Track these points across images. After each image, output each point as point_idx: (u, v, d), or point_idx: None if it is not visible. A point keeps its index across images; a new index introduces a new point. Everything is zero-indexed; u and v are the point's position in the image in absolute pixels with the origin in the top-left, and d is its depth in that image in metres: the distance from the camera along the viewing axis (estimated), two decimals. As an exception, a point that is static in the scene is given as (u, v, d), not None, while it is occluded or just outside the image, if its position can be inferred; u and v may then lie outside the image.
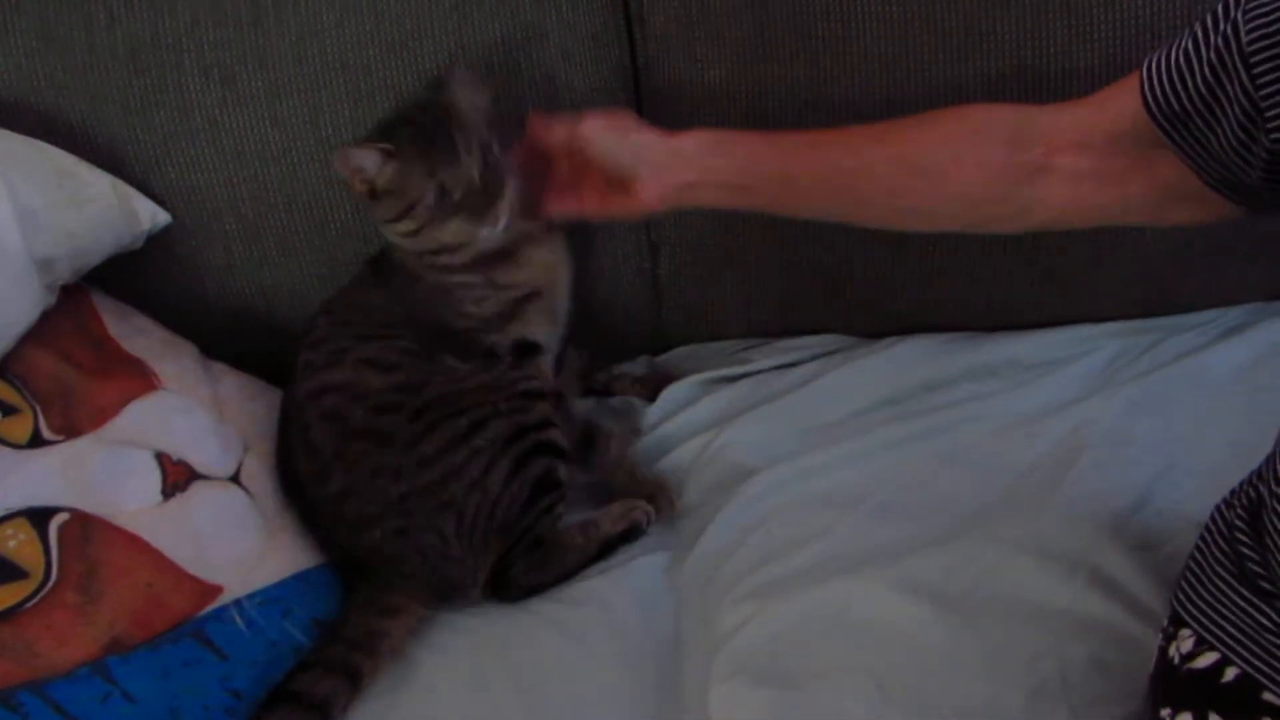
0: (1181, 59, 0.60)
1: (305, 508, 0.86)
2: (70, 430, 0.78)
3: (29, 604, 0.70)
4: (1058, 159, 0.68)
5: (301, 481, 0.86)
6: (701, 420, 0.99)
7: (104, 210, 0.89)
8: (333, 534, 0.85)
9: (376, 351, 0.85)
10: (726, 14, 0.94)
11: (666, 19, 0.96)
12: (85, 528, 0.74)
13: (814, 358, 1.03)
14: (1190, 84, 0.59)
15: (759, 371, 1.02)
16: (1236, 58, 0.55)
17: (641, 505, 0.89)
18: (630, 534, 0.88)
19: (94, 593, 0.72)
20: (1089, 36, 0.88)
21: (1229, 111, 0.57)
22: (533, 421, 0.84)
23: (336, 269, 0.99)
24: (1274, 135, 0.55)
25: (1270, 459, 0.62)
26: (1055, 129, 0.68)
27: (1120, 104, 0.64)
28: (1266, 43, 0.54)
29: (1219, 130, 0.59)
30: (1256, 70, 0.54)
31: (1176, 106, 0.60)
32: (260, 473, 0.87)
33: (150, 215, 0.93)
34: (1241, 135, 0.57)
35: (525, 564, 0.84)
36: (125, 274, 0.95)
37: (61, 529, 0.73)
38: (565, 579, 0.85)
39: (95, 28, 0.93)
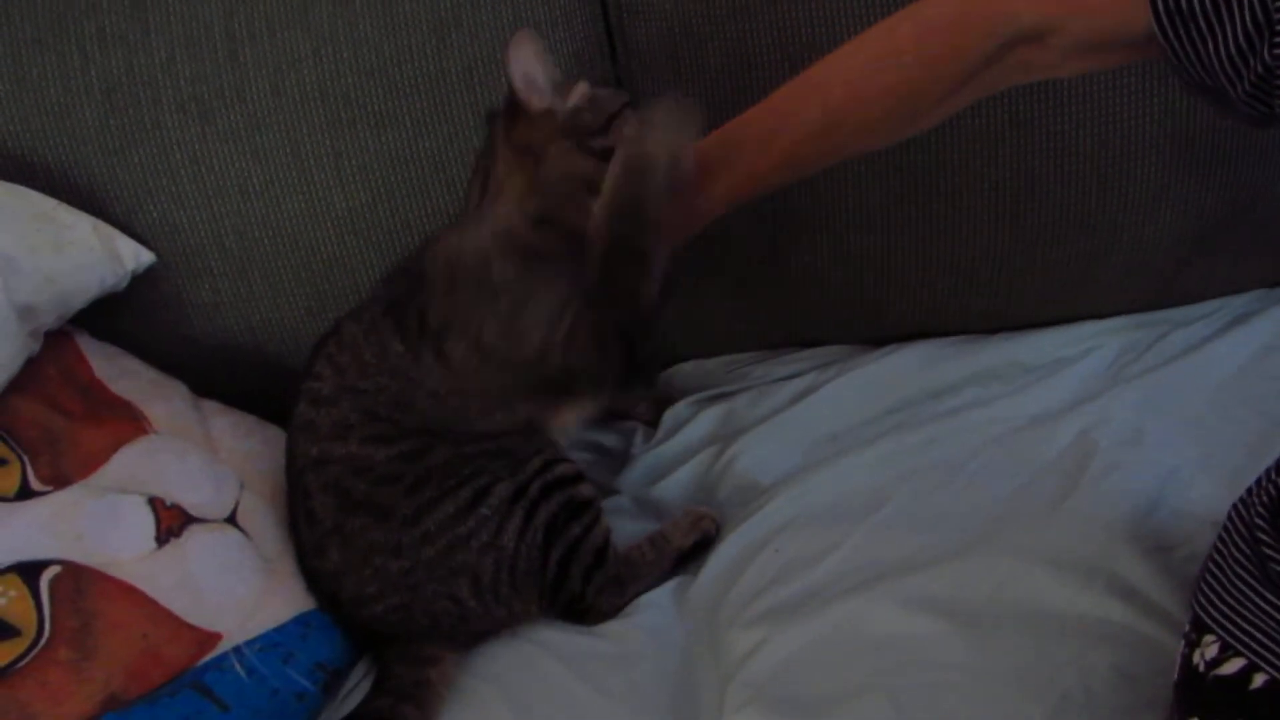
0: None
1: (306, 572, 0.84)
2: (59, 480, 0.77)
3: (21, 663, 0.68)
4: (1040, 57, 0.68)
5: (301, 549, 0.84)
6: (702, 437, 0.98)
7: (86, 253, 0.88)
8: (334, 605, 0.83)
9: (383, 430, 0.82)
10: (708, 26, 0.93)
11: (648, 33, 0.95)
12: (78, 580, 0.72)
13: (813, 369, 1.01)
14: None
15: (758, 385, 1.01)
16: None
17: (708, 514, 0.88)
18: (701, 544, 0.86)
19: (89, 648, 0.70)
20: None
21: (1236, 17, 0.56)
22: (532, 472, 0.81)
23: (325, 302, 0.98)
24: (1277, 51, 0.54)
25: None
26: (1036, 42, 0.67)
27: (1115, 6, 0.62)
28: None
29: (1220, 35, 0.57)
30: None
31: (1185, 4, 0.59)
32: (258, 511, 0.86)
33: (134, 255, 0.92)
34: (1243, 44, 0.56)
35: (598, 587, 0.81)
36: (111, 316, 0.93)
37: (53, 583, 0.71)
38: (643, 594, 0.83)
39: (69, 68, 0.92)
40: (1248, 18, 0.55)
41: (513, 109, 0.82)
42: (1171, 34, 0.60)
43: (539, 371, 0.82)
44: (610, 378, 0.83)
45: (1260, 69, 0.55)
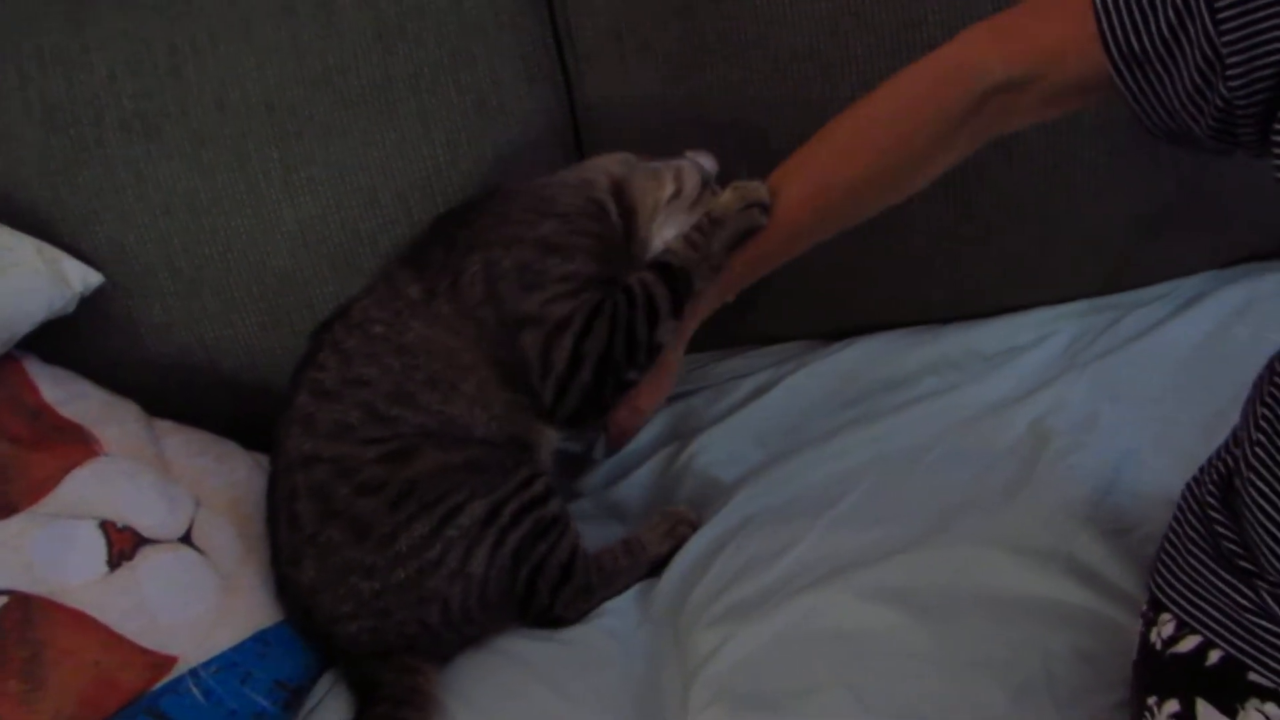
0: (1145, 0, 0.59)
1: (278, 576, 0.83)
2: (6, 508, 0.75)
3: (-32, 697, 0.67)
4: (1020, 103, 0.70)
5: (279, 553, 0.82)
6: (661, 436, 0.98)
7: (30, 276, 0.86)
8: (308, 620, 0.81)
9: (379, 431, 0.80)
10: (654, 24, 0.93)
11: (595, 33, 0.95)
12: (26, 610, 0.70)
13: (771, 365, 1.01)
14: (1153, 25, 0.59)
15: (716, 383, 1.01)
16: (1201, 1, 0.55)
17: (685, 518, 0.87)
18: (677, 549, 0.85)
19: (38, 679, 0.68)
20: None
21: (1189, 56, 0.57)
22: (510, 492, 0.80)
23: (278, 317, 0.97)
24: (1231, 84, 0.54)
25: (1242, 424, 0.60)
26: (1014, 91, 0.69)
27: (1079, 55, 0.64)
28: None
29: (1175, 75, 0.58)
30: (1221, 15, 0.54)
31: (1136, 48, 0.60)
32: (214, 527, 0.84)
33: (81, 277, 0.90)
34: (1199, 81, 0.57)
35: (565, 600, 0.81)
36: (60, 338, 0.92)
37: (1, 614, 0.70)
38: (616, 596, 0.83)
39: (7, 88, 0.91)
40: (1198, 55, 0.56)
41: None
42: (1129, 79, 0.61)
43: (513, 344, 0.81)
44: (571, 395, 0.81)
45: (1219, 102, 0.56)
